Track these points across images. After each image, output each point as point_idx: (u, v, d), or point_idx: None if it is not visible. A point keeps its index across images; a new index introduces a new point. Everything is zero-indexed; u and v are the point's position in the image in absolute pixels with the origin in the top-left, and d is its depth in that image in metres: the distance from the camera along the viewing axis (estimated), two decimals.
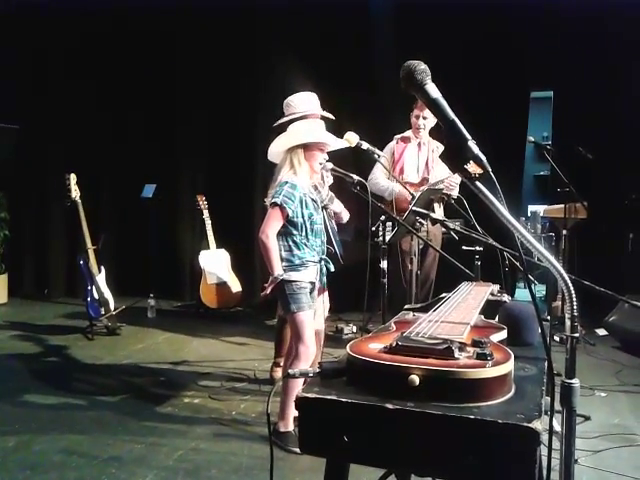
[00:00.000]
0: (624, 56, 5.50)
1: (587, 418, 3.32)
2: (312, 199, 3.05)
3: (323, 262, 3.13)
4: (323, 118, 3.53)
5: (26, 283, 6.93)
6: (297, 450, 2.88)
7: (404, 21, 5.72)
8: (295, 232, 2.97)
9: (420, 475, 1.18)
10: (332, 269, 3.21)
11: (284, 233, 2.97)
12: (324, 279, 3.17)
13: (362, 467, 1.22)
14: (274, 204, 2.90)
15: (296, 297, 2.95)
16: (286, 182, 2.93)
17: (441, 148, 4.52)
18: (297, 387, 2.95)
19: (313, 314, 3.06)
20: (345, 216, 3.76)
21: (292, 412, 3.03)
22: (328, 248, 3.41)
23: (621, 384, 3.99)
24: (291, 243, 2.97)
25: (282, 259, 2.96)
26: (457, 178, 4.18)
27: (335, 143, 3.10)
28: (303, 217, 2.98)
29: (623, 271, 5.23)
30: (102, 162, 6.79)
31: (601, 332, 5.10)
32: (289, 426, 3.03)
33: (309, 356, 2.99)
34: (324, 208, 3.56)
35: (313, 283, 3.05)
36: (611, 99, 5.53)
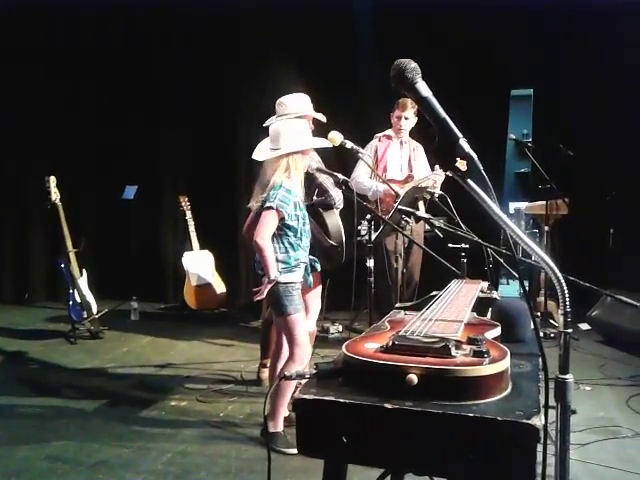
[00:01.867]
0: (603, 53, 5.57)
1: (573, 412, 3.35)
2: (302, 201, 3.04)
3: (310, 261, 3.12)
4: (314, 120, 3.51)
5: (6, 287, 6.81)
6: (287, 451, 2.89)
7: (386, 21, 5.73)
8: (290, 234, 2.94)
9: (419, 474, 1.17)
10: (319, 269, 3.20)
11: (280, 235, 2.93)
12: (310, 279, 3.15)
13: (354, 467, 1.21)
14: (269, 207, 2.84)
15: (291, 298, 2.92)
16: (280, 186, 2.87)
17: (420, 148, 4.61)
18: (290, 388, 2.95)
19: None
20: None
21: (283, 413, 3.03)
22: (336, 246, 3.40)
23: (605, 377, 4.04)
24: (287, 245, 2.94)
25: (278, 261, 2.91)
26: (441, 175, 4.20)
27: (322, 144, 3.10)
28: (298, 219, 2.96)
29: (605, 266, 5.30)
30: (82, 163, 6.71)
31: (584, 327, 5.16)
32: (278, 427, 3.02)
33: (304, 358, 2.98)
34: (336, 208, 3.56)
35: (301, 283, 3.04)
36: (591, 96, 5.60)
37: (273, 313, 3.07)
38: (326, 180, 3.43)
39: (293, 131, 2.96)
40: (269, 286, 2.86)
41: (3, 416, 3.45)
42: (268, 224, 2.86)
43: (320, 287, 3.54)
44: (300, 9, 5.69)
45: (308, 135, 3.04)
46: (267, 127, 3.13)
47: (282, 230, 2.93)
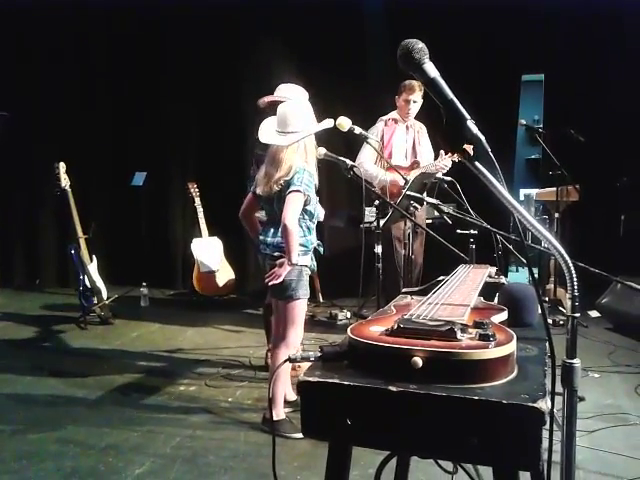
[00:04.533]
0: (614, 39, 5.49)
1: (581, 399, 3.35)
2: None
3: (318, 245, 3.09)
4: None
5: (17, 273, 6.88)
6: (295, 436, 2.89)
7: (397, 6, 5.66)
8: (307, 217, 2.94)
9: (423, 457, 1.17)
10: (322, 252, 3.15)
11: (298, 219, 2.89)
12: (314, 264, 3.10)
13: (360, 450, 1.21)
14: (297, 191, 2.81)
15: (302, 282, 2.92)
16: (304, 170, 2.85)
17: (424, 128, 4.55)
18: (285, 374, 2.97)
19: None
20: None
21: (281, 398, 3.06)
22: None
23: (614, 365, 4.03)
24: (305, 228, 2.94)
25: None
26: (448, 161, 4.17)
27: (329, 125, 3.08)
28: (313, 204, 2.95)
29: (615, 253, 5.25)
30: (92, 150, 6.72)
31: (594, 314, 5.13)
32: (281, 413, 3.03)
33: (298, 342, 3.01)
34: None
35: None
36: (602, 82, 5.53)
37: (278, 295, 2.98)
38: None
39: (303, 113, 2.93)
40: (288, 269, 2.83)
41: (14, 400, 3.50)
42: (297, 208, 2.82)
43: None
44: None
45: (314, 117, 3.02)
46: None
47: (301, 214, 2.90)
